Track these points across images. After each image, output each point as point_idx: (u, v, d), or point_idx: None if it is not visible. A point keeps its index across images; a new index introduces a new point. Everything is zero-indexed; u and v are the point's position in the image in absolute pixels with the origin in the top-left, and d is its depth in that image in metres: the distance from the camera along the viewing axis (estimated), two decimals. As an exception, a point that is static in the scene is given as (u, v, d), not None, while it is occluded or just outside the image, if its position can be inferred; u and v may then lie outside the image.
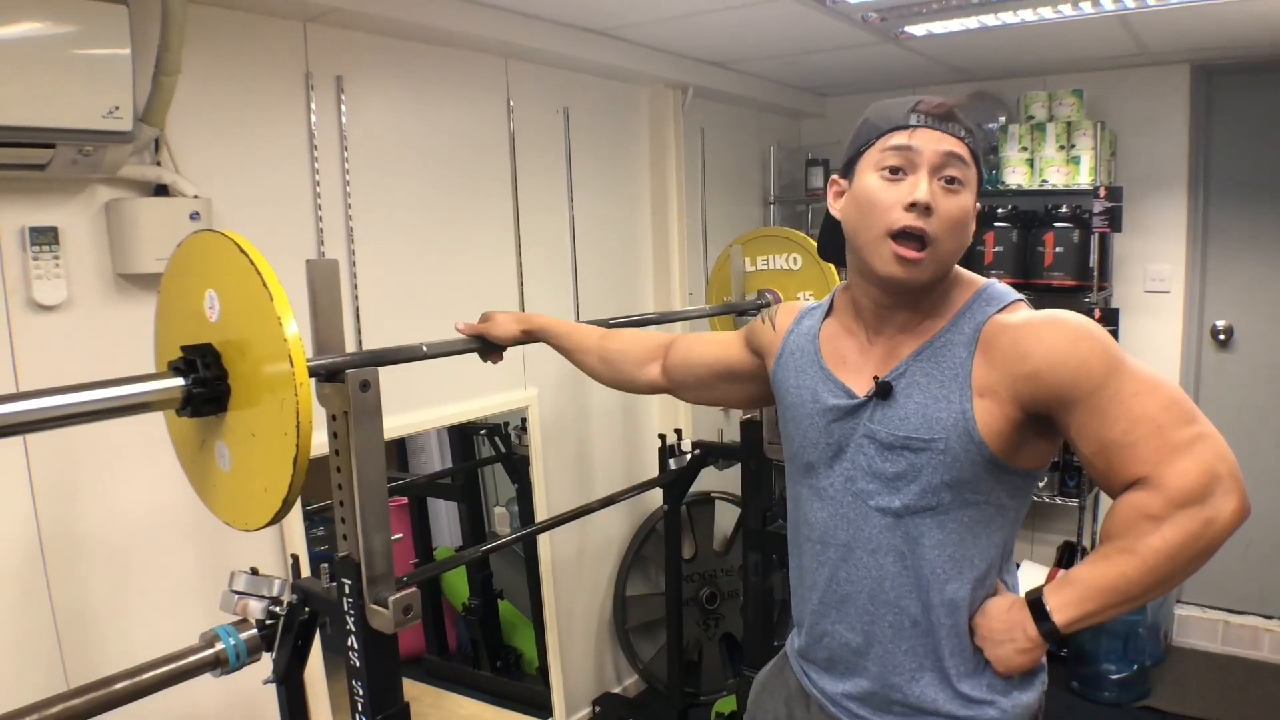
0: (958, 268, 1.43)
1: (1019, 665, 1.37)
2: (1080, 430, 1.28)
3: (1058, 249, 3.74)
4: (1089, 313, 3.65)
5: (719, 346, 1.82)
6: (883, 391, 1.38)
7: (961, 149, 1.34)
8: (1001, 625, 1.37)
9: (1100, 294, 3.76)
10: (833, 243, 1.51)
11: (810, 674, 1.58)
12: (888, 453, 1.38)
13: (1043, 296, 3.68)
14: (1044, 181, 3.79)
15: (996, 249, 3.82)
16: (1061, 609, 1.30)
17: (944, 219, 1.32)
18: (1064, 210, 3.77)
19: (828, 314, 1.57)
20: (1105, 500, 4.08)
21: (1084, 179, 3.69)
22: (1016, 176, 3.84)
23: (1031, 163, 3.81)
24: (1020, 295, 1.40)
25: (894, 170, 1.34)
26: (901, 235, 1.33)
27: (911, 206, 1.31)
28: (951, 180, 1.33)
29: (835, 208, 1.47)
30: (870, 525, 1.42)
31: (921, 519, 1.37)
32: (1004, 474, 1.35)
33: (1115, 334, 3.65)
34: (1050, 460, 1.43)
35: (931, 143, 1.33)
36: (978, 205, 1.39)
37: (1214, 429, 1.24)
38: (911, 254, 1.32)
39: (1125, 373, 1.26)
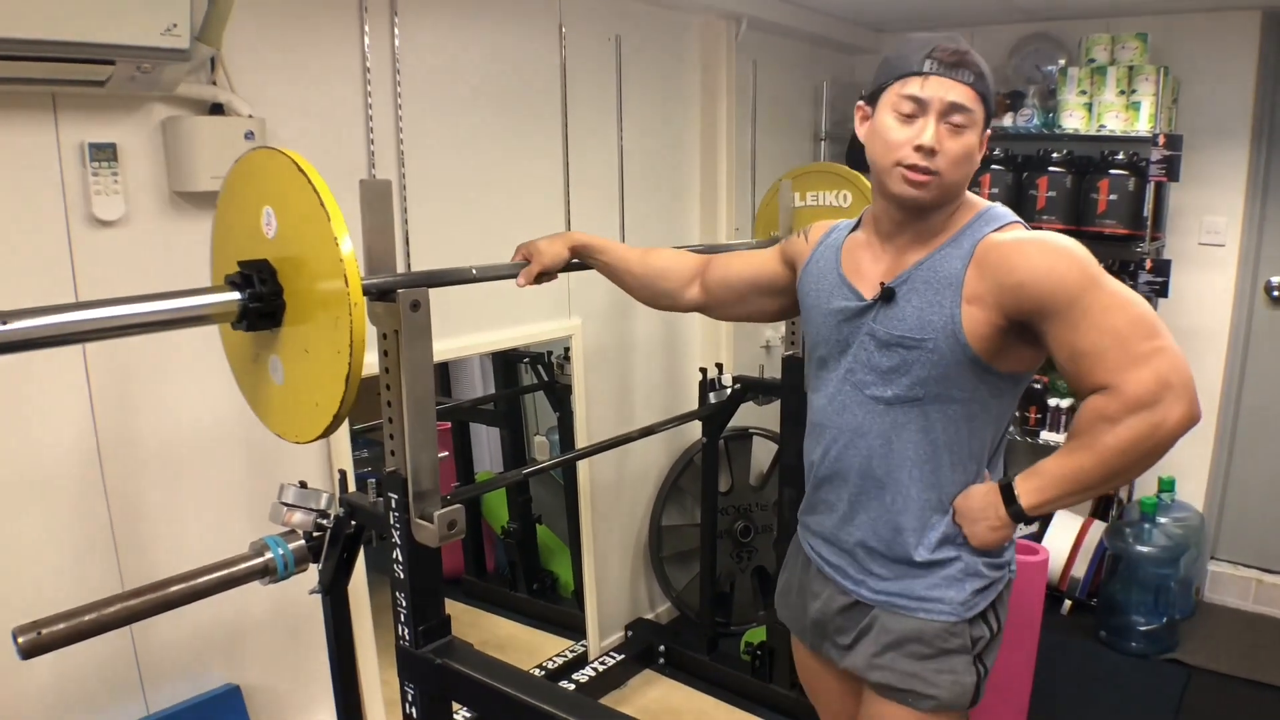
0: (967, 194, 1.62)
1: (990, 541, 1.59)
2: (1056, 339, 1.45)
3: (1112, 196, 3.67)
4: (1140, 263, 3.61)
5: (755, 260, 2.00)
6: (886, 296, 1.59)
7: (967, 96, 1.51)
8: (978, 505, 1.59)
9: (1153, 244, 3.69)
10: (860, 158, 1.69)
11: (809, 538, 1.83)
12: (884, 349, 1.59)
13: (1094, 244, 3.58)
14: (1102, 127, 3.70)
15: (1050, 194, 3.76)
16: (1027, 494, 1.53)
17: (948, 156, 1.51)
18: (1120, 157, 3.69)
19: (855, 229, 1.77)
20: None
21: (1143, 126, 3.60)
22: (1074, 121, 3.76)
23: (1090, 107, 3.73)
24: (1017, 218, 1.58)
25: (906, 114, 1.53)
26: (911, 167, 1.52)
27: (918, 149, 1.51)
28: (957, 124, 1.51)
29: (860, 131, 1.66)
30: (864, 411, 1.64)
31: (909, 408, 1.59)
32: (986, 374, 1.55)
33: (1165, 286, 3.60)
34: (1034, 368, 1.61)
35: (940, 91, 1.50)
36: (988, 132, 1.58)
37: (1174, 345, 1.40)
38: (919, 176, 1.52)
39: (1100, 290, 1.42)
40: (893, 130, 1.54)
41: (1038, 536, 4.03)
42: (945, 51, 1.51)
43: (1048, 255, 1.45)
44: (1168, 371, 1.37)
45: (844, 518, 1.70)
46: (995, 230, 1.54)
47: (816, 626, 1.79)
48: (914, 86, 1.51)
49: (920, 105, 1.51)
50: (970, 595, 1.60)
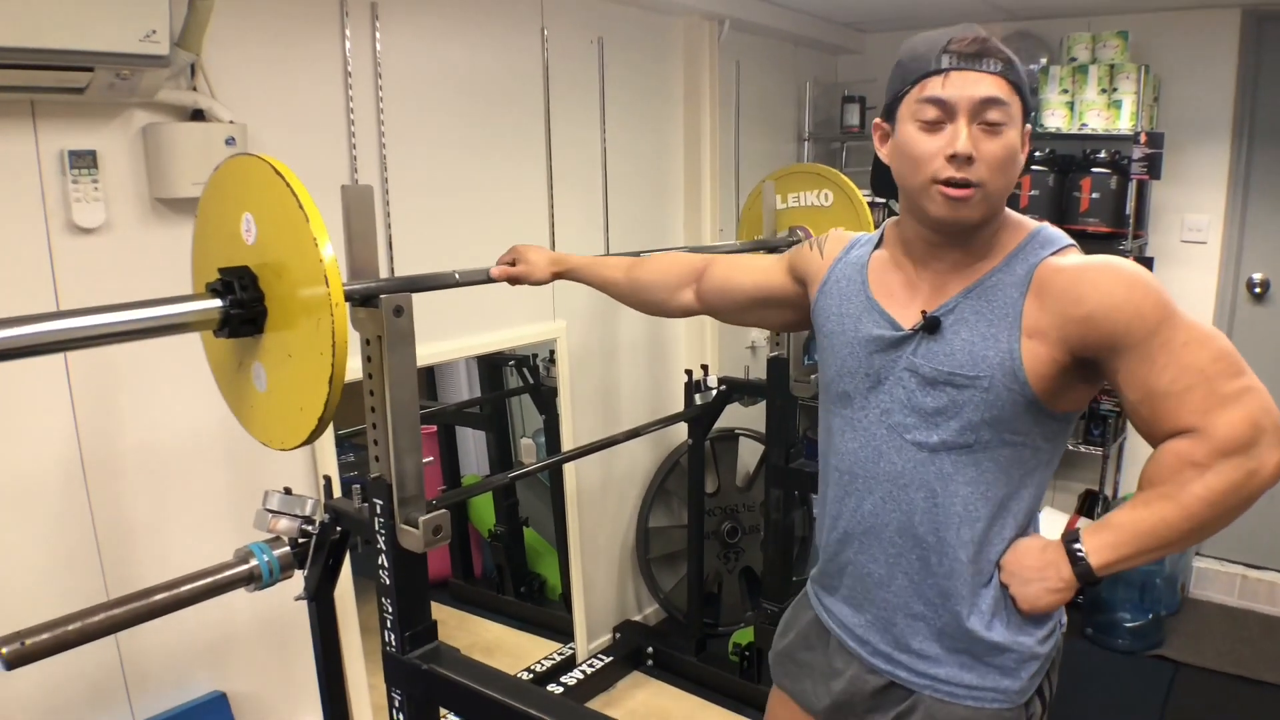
0: (1009, 211, 1.42)
1: (1046, 605, 1.40)
2: (1128, 376, 1.29)
3: (1094, 195, 3.69)
4: (1123, 260, 3.61)
5: (758, 273, 1.80)
6: (930, 326, 1.39)
7: (999, 87, 1.31)
8: (1034, 564, 1.40)
9: (1135, 242, 3.71)
10: (885, 181, 1.49)
11: (828, 605, 1.60)
12: (929, 387, 1.39)
13: (1077, 243, 3.64)
14: (1083, 125, 3.72)
15: (1032, 193, 3.77)
16: (1098, 551, 1.34)
17: (988, 162, 1.31)
18: (1102, 155, 3.71)
19: (877, 246, 1.56)
20: (1130, 450, 4.10)
21: (1125, 124, 3.62)
22: (1056, 119, 3.77)
23: (1071, 105, 3.75)
24: (1072, 241, 1.39)
25: (931, 121, 1.33)
26: (947, 182, 1.33)
27: (952, 158, 1.31)
28: (992, 122, 1.31)
29: (882, 152, 1.46)
30: (904, 459, 1.43)
31: (957, 455, 1.39)
32: (1042, 416, 1.36)
33: (1149, 283, 3.61)
34: (1088, 404, 1.43)
35: (966, 88, 1.30)
36: (1029, 127, 1.38)
37: (1260, 384, 1.26)
38: (959, 192, 1.32)
39: (1177, 322, 1.27)
40: (918, 142, 1.34)
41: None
42: (963, 42, 1.32)
43: (1121, 283, 1.28)
44: (1259, 413, 1.23)
45: (879, 582, 1.48)
46: (1052, 254, 1.36)
47: (840, 707, 1.57)
48: (934, 88, 1.32)
49: (945, 108, 1.31)
50: (1027, 681, 1.42)
